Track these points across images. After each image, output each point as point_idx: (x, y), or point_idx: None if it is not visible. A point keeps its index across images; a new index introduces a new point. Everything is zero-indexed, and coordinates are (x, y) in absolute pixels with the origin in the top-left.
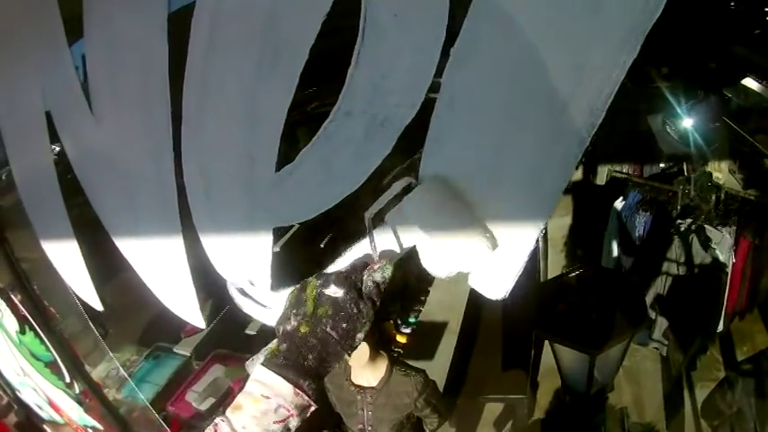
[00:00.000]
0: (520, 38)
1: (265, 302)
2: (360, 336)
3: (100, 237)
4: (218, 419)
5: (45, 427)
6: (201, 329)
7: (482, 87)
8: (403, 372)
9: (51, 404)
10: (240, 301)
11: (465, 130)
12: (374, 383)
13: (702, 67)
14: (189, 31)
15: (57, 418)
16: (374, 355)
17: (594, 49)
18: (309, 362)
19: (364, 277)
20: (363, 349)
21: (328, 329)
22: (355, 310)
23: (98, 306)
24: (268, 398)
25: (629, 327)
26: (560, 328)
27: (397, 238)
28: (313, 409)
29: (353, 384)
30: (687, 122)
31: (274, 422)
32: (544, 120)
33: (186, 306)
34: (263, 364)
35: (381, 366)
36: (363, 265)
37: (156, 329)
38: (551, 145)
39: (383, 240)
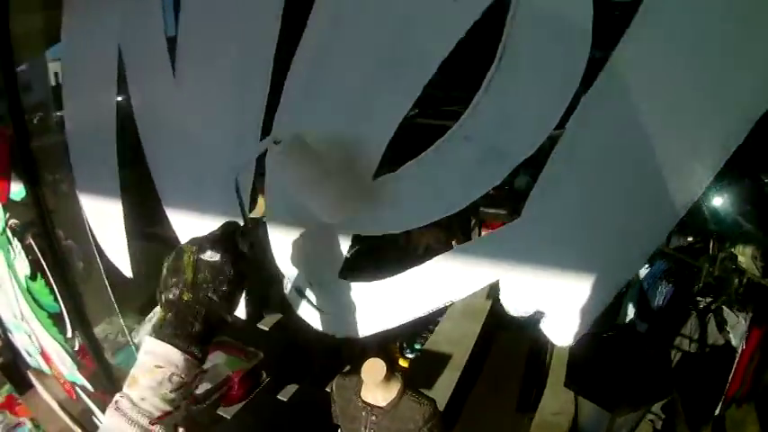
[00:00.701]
0: (643, 108)
1: (320, 306)
2: (239, 295)
3: (137, 198)
4: (117, 396)
5: (29, 373)
6: None
7: (601, 145)
8: (414, 398)
9: (43, 354)
10: (294, 299)
11: (577, 182)
12: (383, 404)
13: (743, 149)
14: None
15: (45, 368)
16: (389, 376)
17: (709, 131)
18: (196, 327)
19: (239, 241)
20: (380, 367)
21: (210, 294)
22: (233, 273)
23: (128, 272)
24: (161, 367)
25: (655, 396)
26: (589, 383)
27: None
28: (201, 375)
29: (362, 401)
30: (718, 201)
31: (170, 390)
32: (649, 190)
33: None
34: (151, 335)
35: (394, 388)
36: (235, 227)
37: None
38: (649, 215)
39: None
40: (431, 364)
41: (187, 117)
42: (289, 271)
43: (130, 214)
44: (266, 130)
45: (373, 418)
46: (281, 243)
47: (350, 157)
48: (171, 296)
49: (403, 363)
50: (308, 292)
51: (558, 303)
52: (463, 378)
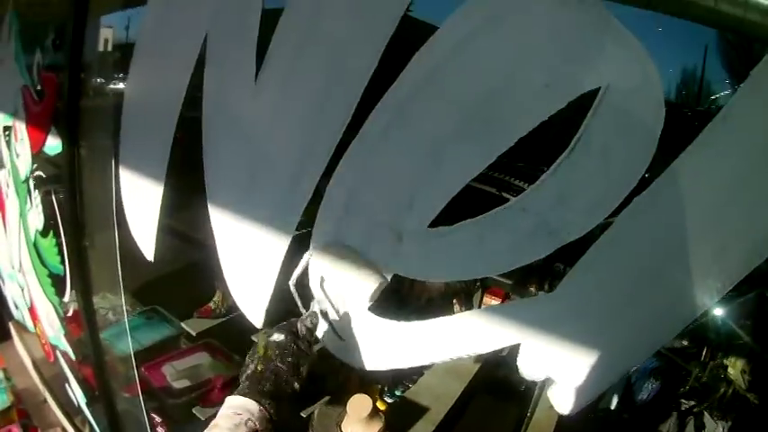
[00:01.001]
0: (691, 212)
1: (341, 334)
2: (304, 368)
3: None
4: None
5: (11, 324)
6: (214, 316)
7: (644, 240)
8: None
9: (32, 310)
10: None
11: (614, 269)
12: None
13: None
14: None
15: (29, 324)
16: (373, 414)
17: (738, 249)
18: (267, 388)
19: (299, 325)
20: (366, 403)
21: (278, 363)
22: (296, 348)
23: (150, 256)
24: (239, 414)
25: None
26: None
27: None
28: (271, 426)
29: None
30: (720, 311)
31: None
32: (672, 290)
33: (254, 302)
34: (232, 395)
35: (375, 427)
36: (296, 319)
37: (173, 296)
38: (667, 313)
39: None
40: (408, 413)
41: (258, 123)
42: (318, 293)
43: (166, 203)
44: (338, 154)
45: None
46: (318, 267)
47: (411, 200)
48: (248, 371)
49: (381, 405)
50: (333, 318)
51: (569, 375)
52: None
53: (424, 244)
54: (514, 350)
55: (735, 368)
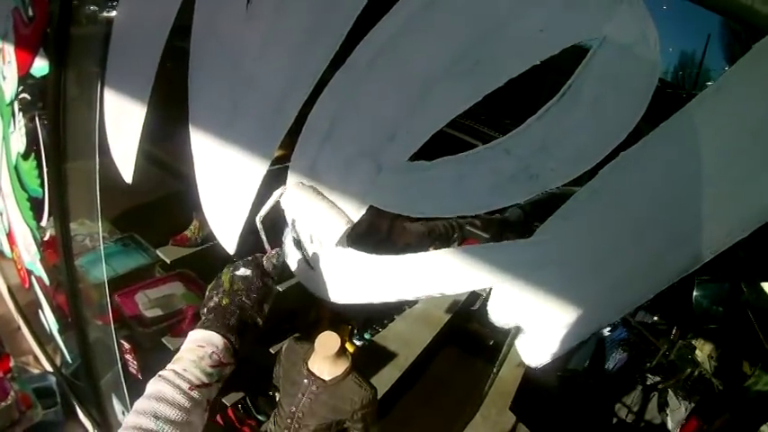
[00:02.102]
0: (676, 175)
1: (313, 263)
2: (266, 305)
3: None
4: (160, 372)
5: None
6: (189, 245)
7: (629, 196)
8: (357, 381)
9: (9, 235)
10: (290, 250)
11: (595, 222)
12: (327, 377)
13: (732, 254)
14: None
15: (6, 249)
16: (340, 353)
17: (726, 217)
18: (232, 322)
19: (264, 261)
20: (334, 342)
21: (243, 299)
22: (261, 284)
23: (128, 178)
24: (203, 346)
25: None
26: (533, 414)
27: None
28: (233, 363)
29: (308, 369)
30: (696, 294)
31: (209, 365)
32: (654, 250)
33: (228, 228)
34: (196, 328)
35: (341, 366)
36: (262, 254)
37: (151, 224)
38: (647, 271)
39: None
40: (376, 357)
41: (246, 49)
42: (293, 219)
43: (149, 131)
44: (320, 87)
45: (314, 388)
46: (295, 192)
47: (393, 133)
48: (211, 303)
49: (349, 347)
50: (307, 245)
51: (539, 324)
52: (402, 380)
53: (403, 177)
54: (485, 304)
55: (702, 351)
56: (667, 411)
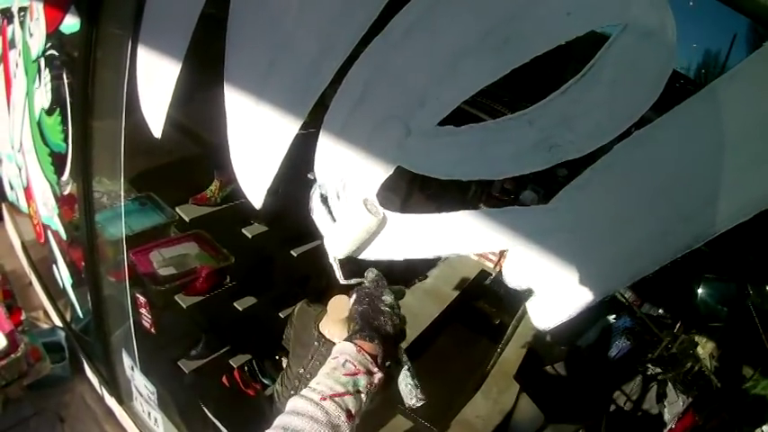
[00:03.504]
0: (686, 155)
1: (338, 217)
2: (386, 297)
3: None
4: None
5: (3, 205)
6: (208, 204)
7: (642, 171)
8: None
9: (27, 190)
10: (315, 206)
11: (608, 193)
12: (336, 340)
13: (741, 255)
14: None
15: (23, 205)
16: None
17: (735, 196)
18: (355, 327)
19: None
20: (345, 305)
21: (357, 306)
22: (366, 290)
23: (157, 133)
24: (336, 357)
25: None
26: (537, 384)
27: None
28: (378, 375)
29: (318, 331)
30: (702, 291)
31: (344, 374)
32: (662, 222)
33: (256, 183)
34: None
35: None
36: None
37: (170, 183)
38: (654, 243)
39: None
40: None
41: (287, 10)
42: (321, 176)
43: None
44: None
45: (323, 350)
46: (325, 150)
47: (424, 99)
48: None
49: None
50: (333, 201)
51: (551, 287)
52: (406, 353)
53: (430, 141)
54: (493, 282)
55: (704, 348)
56: (665, 403)
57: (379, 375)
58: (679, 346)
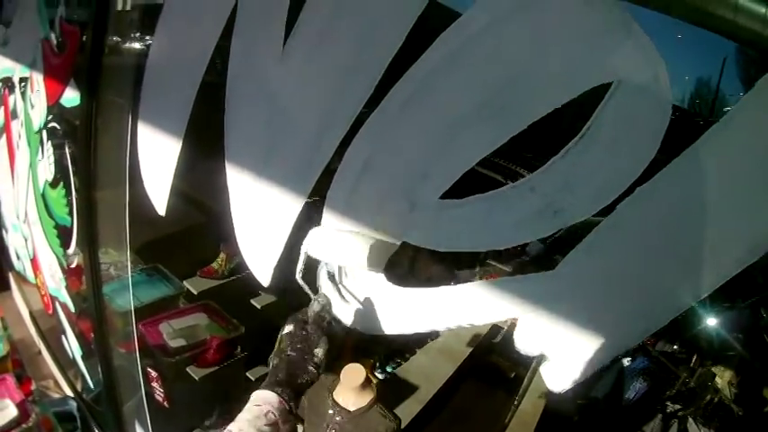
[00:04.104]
0: (689, 206)
1: (348, 297)
2: (318, 351)
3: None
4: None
5: (11, 274)
6: (216, 277)
7: (645, 229)
8: (382, 411)
9: (34, 261)
10: (324, 284)
11: (614, 254)
12: (351, 408)
13: (751, 278)
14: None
15: (30, 275)
16: (365, 384)
17: (735, 246)
18: (280, 377)
19: (308, 311)
20: (359, 373)
21: (289, 352)
22: (304, 333)
23: (161, 210)
24: (259, 405)
25: None
26: None
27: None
28: (290, 424)
29: (333, 400)
30: (712, 321)
31: (264, 424)
32: (669, 278)
33: (263, 263)
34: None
35: (366, 397)
36: (306, 308)
37: (177, 255)
38: (662, 300)
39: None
40: (398, 391)
41: (282, 88)
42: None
43: (183, 164)
44: (356, 126)
45: (338, 419)
46: (331, 227)
47: (426, 172)
48: (270, 367)
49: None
50: (343, 280)
51: (563, 352)
52: (423, 413)
53: (435, 214)
54: (506, 337)
55: (723, 378)
56: None
57: (290, 424)
58: (697, 379)
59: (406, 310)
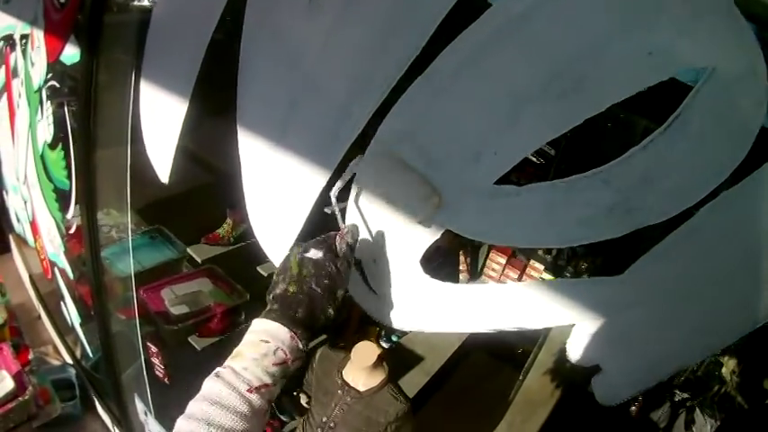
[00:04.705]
0: None
1: (374, 286)
2: (340, 292)
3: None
4: (218, 369)
5: (11, 236)
6: (221, 244)
7: (726, 238)
8: (393, 392)
9: (33, 224)
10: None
11: (689, 263)
12: (362, 389)
13: None
14: None
15: (29, 238)
16: (378, 364)
17: None
18: (300, 314)
19: (337, 241)
20: (372, 352)
21: (313, 286)
22: (334, 268)
23: (164, 178)
24: (267, 342)
25: None
26: None
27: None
28: (301, 358)
29: (342, 379)
30: None
31: (273, 363)
32: (744, 293)
33: (278, 241)
34: (259, 318)
35: (378, 377)
36: (335, 233)
37: (181, 218)
38: (733, 315)
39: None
40: (403, 361)
41: (307, 46)
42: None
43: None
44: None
45: (348, 399)
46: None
47: (479, 153)
48: (278, 290)
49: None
50: (369, 268)
51: (619, 365)
52: (429, 385)
53: (487, 202)
54: None
55: (727, 367)
56: (694, 429)
57: (299, 362)
58: (704, 369)
59: (444, 308)
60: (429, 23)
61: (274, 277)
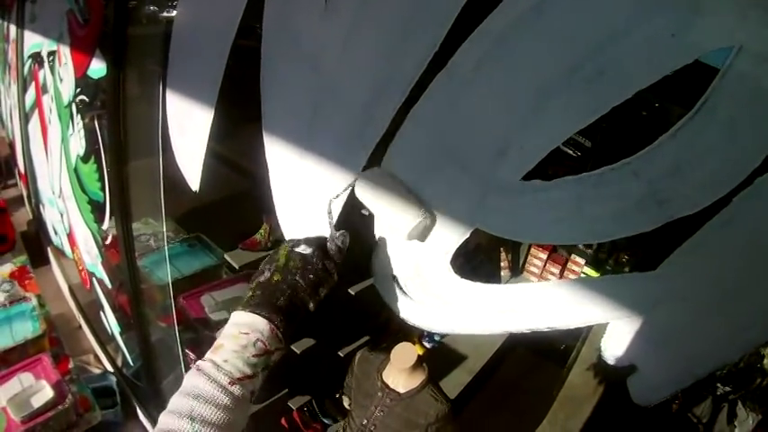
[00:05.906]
0: None
1: (415, 296)
2: (323, 290)
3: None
4: (199, 362)
5: (49, 249)
6: (259, 249)
7: (761, 227)
8: (433, 393)
9: (70, 236)
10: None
11: (726, 255)
12: (402, 390)
13: None
14: None
15: (67, 250)
16: (417, 365)
17: None
18: (280, 302)
19: (328, 243)
20: (411, 354)
21: (297, 278)
22: (321, 266)
23: (195, 186)
24: (246, 333)
25: None
26: None
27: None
28: (281, 349)
29: (382, 381)
30: None
31: (254, 355)
32: None
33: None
34: (239, 308)
35: (417, 378)
36: (326, 236)
37: (219, 225)
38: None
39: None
40: (446, 360)
41: (326, 49)
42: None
43: (216, 130)
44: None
45: (388, 401)
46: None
47: (504, 148)
48: (261, 278)
49: (419, 350)
50: (407, 282)
51: (656, 364)
52: (472, 383)
53: (515, 198)
54: None
55: (767, 357)
56: (735, 423)
57: (281, 351)
58: (746, 360)
59: (481, 310)
60: (445, 19)
61: (261, 266)
